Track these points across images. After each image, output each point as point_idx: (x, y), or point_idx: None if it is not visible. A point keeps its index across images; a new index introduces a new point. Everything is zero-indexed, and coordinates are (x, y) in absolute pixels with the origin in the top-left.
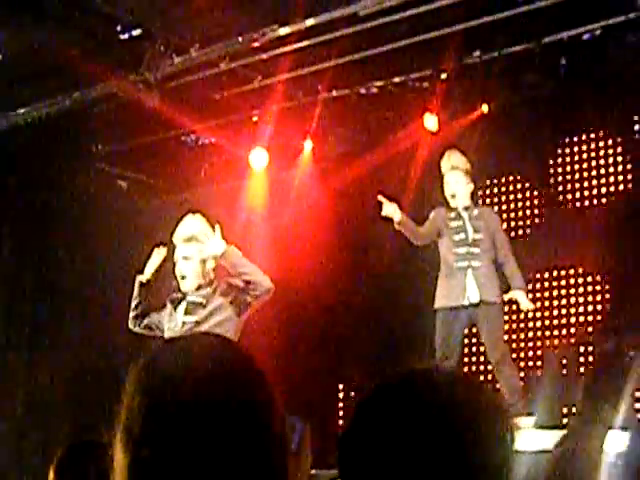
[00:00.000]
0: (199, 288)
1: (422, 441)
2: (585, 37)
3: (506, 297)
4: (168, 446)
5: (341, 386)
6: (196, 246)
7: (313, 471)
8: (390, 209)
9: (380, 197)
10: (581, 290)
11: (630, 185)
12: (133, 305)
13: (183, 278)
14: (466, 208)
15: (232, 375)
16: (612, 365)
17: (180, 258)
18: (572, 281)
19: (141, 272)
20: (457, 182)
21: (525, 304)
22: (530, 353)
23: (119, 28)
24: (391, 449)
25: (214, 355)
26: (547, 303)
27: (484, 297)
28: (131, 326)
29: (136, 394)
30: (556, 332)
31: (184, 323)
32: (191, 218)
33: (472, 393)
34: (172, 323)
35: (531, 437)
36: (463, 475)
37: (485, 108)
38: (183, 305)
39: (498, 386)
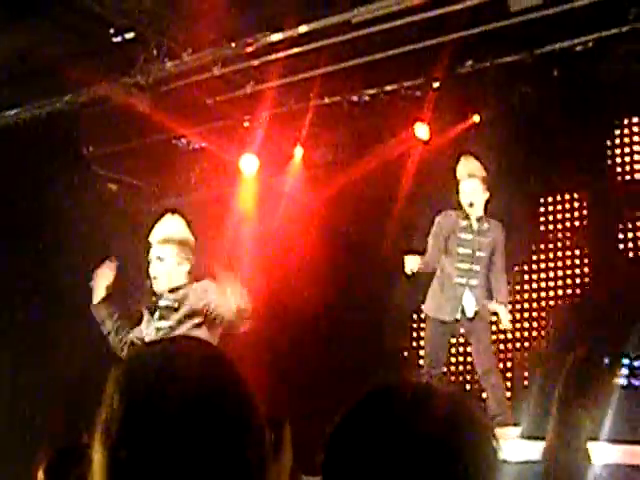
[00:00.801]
0: (172, 291)
1: (403, 454)
2: (578, 49)
3: (490, 307)
4: (145, 448)
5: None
6: (170, 248)
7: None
8: (414, 264)
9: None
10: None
11: None
12: (107, 331)
13: (155, 278)
14: (479, 219)
15: (209, 378)
16: (585, 372)
17: (154, 258)
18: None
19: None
20: (474, 190)
21: (505, 320)
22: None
23: (112, 31)
24: (373, 460)
25: (191, 358)
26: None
27: (480, 313)
28: (119, 353)
29: (115, 395)
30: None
31: (158, 329)
32: (169, 219)
33: (457, 408)
34: (149, 329)
35: (517, 447)
36: None
37: (476, 118)
38: (157, 311)
39: (484, 395)
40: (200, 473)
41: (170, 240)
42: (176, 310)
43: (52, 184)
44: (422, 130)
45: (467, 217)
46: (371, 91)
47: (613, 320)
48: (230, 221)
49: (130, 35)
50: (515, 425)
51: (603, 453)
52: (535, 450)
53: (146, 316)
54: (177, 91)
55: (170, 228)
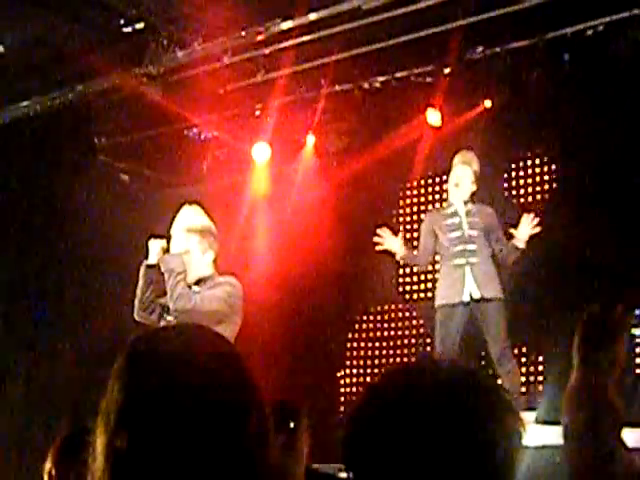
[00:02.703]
0: (198, 283)
1: (430, 429)
2: (588, 33)
3: (515, 232)
4: (145, 434)
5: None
6: (193, 237)
7: (315, 465)
8: (395, 245)
9: (381, 230)
10: None
11: None
12: (140, 293)
13: None
14: (464, 203)
15: (212, 367)
16: (600, 324)
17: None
18: None
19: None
20: (464, 175)
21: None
22: None
23: (122, 21)
24: (400, 436)
25: (196, 346)
26: None
27: (484, 294)
28: (138, 317)
29: (116, 382)
30: None
31: None
32: (188, 209)
33: (484, 386)
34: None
35: (532, 432)
36: (471, 465)
37: (488, 103)
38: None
39: (499, 381)
40: (199, 460)
41: (192, 230)
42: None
43: (64, 175)
44: (434, 116)
45: (451, 205)
46: (382, 78)
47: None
48: (242, 210)
49: (140, 25)
50: (530, 410)
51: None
52: (550, 435)
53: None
54: (188, 80)
55: (190, 218)
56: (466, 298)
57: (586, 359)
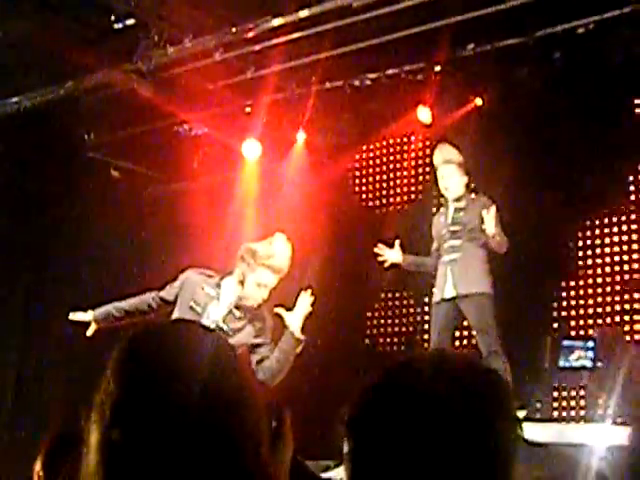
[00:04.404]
0: (239, 308)
1: (430, 423)
2: (579, 31)
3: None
4: (140, 428)
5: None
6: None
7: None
8: (395, 256)
9: (379, 249)
10: None
11: None
12: (128, 308)
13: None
14: (457, 199)
15: (209, 364)
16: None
17: (255, 282)
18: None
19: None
20: (450, 175)
21: (489, 222)
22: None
23: (113, 18)
24: (401, 431)
25: (193, 343)
26: None
27: (461, 290)
28: (100, 316)
29: (112, 375)
30: None
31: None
32: (279, 241)
33: (472, 368)
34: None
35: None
36: (469, 458)
37: (479, 101)
38: (224, 307)
39: None
40: (194, 455)
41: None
42: (239, 328)
43: (54, 171)
44: (424, 114)
45: (444, 204)
46: (373, 75)
47: None
48: (233, 206)
49: (131, 21)
50: (520, 408)
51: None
52: (540, 432)
53: (214, 292)
54: (178, 77)
55: (282, 257)
56: (447, 295)
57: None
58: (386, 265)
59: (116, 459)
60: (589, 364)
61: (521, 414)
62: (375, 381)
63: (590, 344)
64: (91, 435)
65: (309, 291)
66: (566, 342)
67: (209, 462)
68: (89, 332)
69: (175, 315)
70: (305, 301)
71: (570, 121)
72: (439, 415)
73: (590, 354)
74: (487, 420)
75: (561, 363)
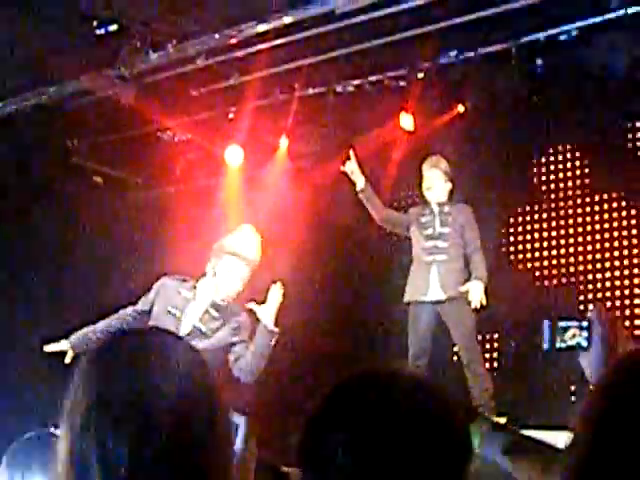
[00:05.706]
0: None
1: (376, 442)
2: (562, 38)
3: (462, 288)
4: (112, 437)
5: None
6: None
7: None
8: (357, 171)
9: (351, 153)
10: None
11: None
12: (104, 327)
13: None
14: (440, 204)
15: (180, 370)
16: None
17: (226, 269)
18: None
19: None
20: (434, 177)
21: (475, 295)
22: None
23: (95, 23)
24: (350, 442)
25: (164, 350)
26: None
27: (448, 293)
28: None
29: (82, 383)
30: None
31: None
32: (250, 234)
33: (429, 398)
34: (184, 325)
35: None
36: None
37: (461, 108)
38: (202, 314)
39: (469, 384)
40: (168, 462)
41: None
42: (217, 328)
43: (36, 177)
44: (407, 120)
45: (428, 204)
46: (356, 82)
47: None
48: (215, 212)
49: (114, 27)
50: (500, 415)
51: None
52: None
53: (191, 293)
54: (161, 83)
55: (248, 245)
56: (430, 298)
57: None
58: (341, 168)
59: (84, 469)
60: (584, 343)
61: (502, 420)
62: (319, 406)
63: (585, 323)
64: (61, 443)
65: (279, 283)
66: (561, 323)
67: (186, 467)
68: (67, 359)
69: (152, 322)
70: (276, 293)
71: (552, 128)
72: (383, 442)
73: (585, 333)
74: (430, 442)
75: (557, 345)
